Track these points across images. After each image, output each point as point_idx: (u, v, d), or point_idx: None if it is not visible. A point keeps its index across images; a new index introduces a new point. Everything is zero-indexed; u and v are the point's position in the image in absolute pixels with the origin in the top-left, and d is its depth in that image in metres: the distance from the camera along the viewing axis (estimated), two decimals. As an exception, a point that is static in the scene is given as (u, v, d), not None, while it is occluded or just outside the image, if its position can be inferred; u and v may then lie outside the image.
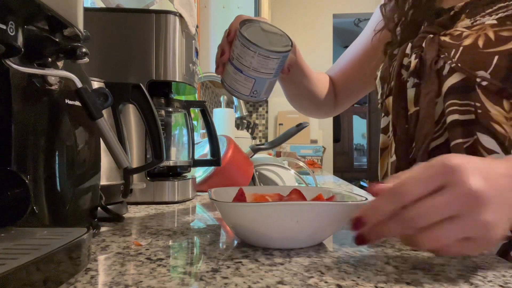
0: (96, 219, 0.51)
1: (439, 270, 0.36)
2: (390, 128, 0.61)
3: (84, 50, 0.43)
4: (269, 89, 0.62)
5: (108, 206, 0.57)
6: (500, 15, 0.51)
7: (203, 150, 1.06)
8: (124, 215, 0.62)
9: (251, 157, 1.11)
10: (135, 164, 0.74)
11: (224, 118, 1.63)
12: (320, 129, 3.79)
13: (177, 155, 0.85)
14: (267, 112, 3.83)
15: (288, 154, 2.70)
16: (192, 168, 0.91)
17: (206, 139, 0.91)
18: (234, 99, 1.51)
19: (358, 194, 0.49)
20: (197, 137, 1.29)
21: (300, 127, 1.20)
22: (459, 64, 0.51)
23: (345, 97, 0.92)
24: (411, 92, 0.57)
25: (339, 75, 0.91)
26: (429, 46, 0.55)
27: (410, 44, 0.58)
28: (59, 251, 0.30)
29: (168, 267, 0.37)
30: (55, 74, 0.41)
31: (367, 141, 5.95)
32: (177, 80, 0.78)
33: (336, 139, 4.01)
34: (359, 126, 6.58)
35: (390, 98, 0.61)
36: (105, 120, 0.44)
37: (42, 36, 0.40)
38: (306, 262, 0.39)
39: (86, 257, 0.35)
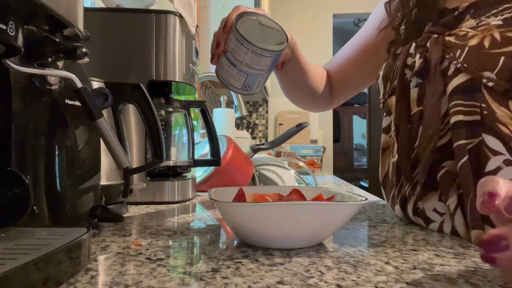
0: (96, 219, 0.51)
1: (439, 270, 0.36)
2: (392, 128, 0.61)
3: (84, 50, 0.43)
4: (262, 83, 0.62)
5: (108, 206, 0.57)
6: (505, 15, 0.50)
7: (203, 150, 1.06)
8: (124, 215, 0.62)
9: (251, 157, 1.11)
10: (135, 164, 0.74)
11: (224, 118, 1.63)
12: (320, 129, 3.80)
13: (177, 155, 0.85)
14: (267, 112, 3.83)
15: (288, 154, 2.70)
16: (192, 168, 0.91)
17: (206, 139, 0.91)
18: (234, 99, 1.51)
19: (358, 194, 0.48)
20: (197, 137, 1.29)
21: (300, 127, 1.20)
22: (465, 65, 0.51)
23: (341, 92, 0.92)
24: (414, 92, 0.57)
25: (336, 69, 0.90)
26: (434, 46, 0.54)
27: (414, 44, 0.58)
28: (59, 251, 0.30)
29: (168, 267, 0.37)
30: (55, 74, 0.41)
31: (367, 141, 5.95)
32: (177, 80, 0.78)
33: (336, 139, 4.01)
34: (359, 126, 6.57)
35: (393, 98, 0.60)
36: (105, 120, 0.44)
37: (42, 36, 0.40)
38: (306, 262, 0.39)
39: (86, 257, 0.35)
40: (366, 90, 6.03)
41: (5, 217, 0.37)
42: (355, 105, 6.69)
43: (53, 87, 0.42)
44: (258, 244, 0.44)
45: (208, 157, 0.89)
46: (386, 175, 0.64)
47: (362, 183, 5.91)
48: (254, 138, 3.04)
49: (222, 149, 0.96)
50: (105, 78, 0.62)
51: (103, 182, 0.60)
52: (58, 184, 0.43)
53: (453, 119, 0.51)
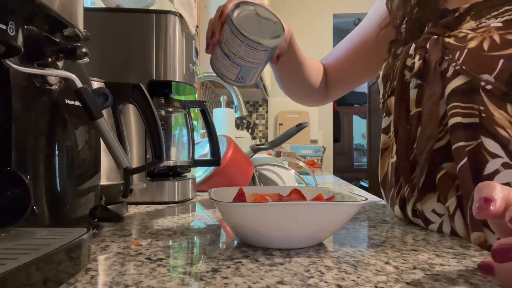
0: (96, 219, 0.51)
1: (439, 270, 0.36)
2: (392, 129, 0.61)
3: (84, 50, 0.43)
4: (256, 76, 0.61)
5: (108, 206, 0.57)
6: (506, 18, 0.50)
7: (203, 150, 1.06)
8: (124, 215, 0.62)
9: (251, 157, 1.11)
10: (135, 164, 0.74)
11: (224, 118, 1.63)
12: (320, 129, 3.80)
13: (177, 155, 0.85)
14: (267, 112, 3.84)
15: (288, 154, 2.70)
16: (192, 168, 0.91)
17: (206, 139, 0.91)
18: (234, 99, 1.51)
19: (358, 194, 0.49)
20: (197, 137, 1.29)
21: (300, 127, 1.20)
22: (463, 67, 0.50)
23: (337, 87, 0.91)
24: (413, 93, 0.57)
25: (333, 64, 0.89)
26: (434, 47, 0.54)
27: (413, 45, 0.58)
28: (59, 251, 0.30)
29: (168, 267, 0.37)
30: (55, 74, 0.41)
31: (367, 141, 5.95)
32: (177, 80, 0.78)
33: (336, 139, 4.01)
34: (359, 126, 6.58)
35: (392, 98, 0.60)
36: (105, 120, 0.44)
37: (42, 36, 0.40)
38: (306, 262, 0.39)
39: (86, 257, 0.35)
40: (366, 90, 6.04)
41: (5, 217, 0.37)
42: (355, 105, 6.69)
43: (53, 87, 0.42)
44: (258, 244, 0.44)
45: (208, 157, 0.89)
46: (386, 175, 0.64)
47: (362, 183, 5.92)
48: (254, 138, 3.04)
49: (222, 149, 0.96)
50: (105, 78, 0.62)
51: (103, 182, 0.60)
52: (58, 184, 0.43)
53: (452, 121, 0.51)
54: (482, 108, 0.49)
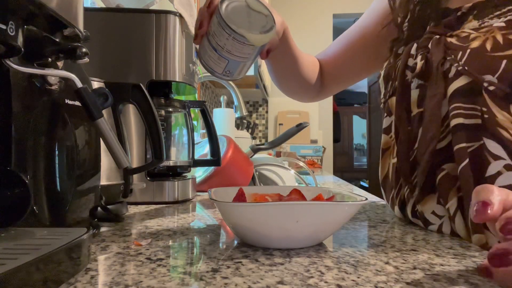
0: (96, 219, 0.51)
1: (439, 270, 0.36)
2: (393, 129, 0.60)
3: (84, 50, 0.43)
4: (244, 70, 0.59)
5: (108, 206, 0.57)
6: (509, 17, 0.49)
7: (203, 150, 1.06)
8: (124, 215, 0.62)
9: (251, 157, 1.11)
10: (135, 164, 0.74)
11: (224, 118, 1.63)
12: (320, 129, 3.80)
13: (177, 155, 0.85)
14: (267, 112, 3.83)
15: (288, 154, 2.70)
16: (192, 168, 0.91)
17: (206, 139, 0.91)
18: (234, 99, 1.51)
19: (358, 194, 0.48)
20: (197, 137, 1.29)
21: (300, 127, 1.20)
22: (466, 68, 0.50)
23: (333, 83, 0.89)
24: (414, 94, 0.56)
25: (330, 60, 0.87)
26: (436, 47, 0.54)
27: (415, 45, 0.57)
28: (59, 251, 0.30)
29: (168, 267, 0.37)
30: (55, 74, 0.41)
31: (367, 141, 5.95)
32: (177, 80, 0.78)
33: (336, 139, 4.01)
34: (359, 126, 6.58)
35: (393, 98, 0.60)
36: (105, 120, 0.44)
37: (42, 36, 0.40)
38: (306, 262, 0.39)
39: (86, 257, 0.35)
40: (366, 90, 6.04)
41: (5, 217, 0.37)
42: (355, 105, 6.70)
43: (53, 87, 0.42)
44: (258, 244, 0.44)
45: (208, 157, 0.89)
46: (386, 176, 0.64)
47: (362, 183, 5.92)
48: (254, 138, 3.04)
49: (222, 149, 0.96)
50: (105, 78, 0.62)
51: (103, 182, 0.60)
52: (58, 184, 0.43)
53: (453, 122, 0.50)
54: (484, 109, 0.49)
